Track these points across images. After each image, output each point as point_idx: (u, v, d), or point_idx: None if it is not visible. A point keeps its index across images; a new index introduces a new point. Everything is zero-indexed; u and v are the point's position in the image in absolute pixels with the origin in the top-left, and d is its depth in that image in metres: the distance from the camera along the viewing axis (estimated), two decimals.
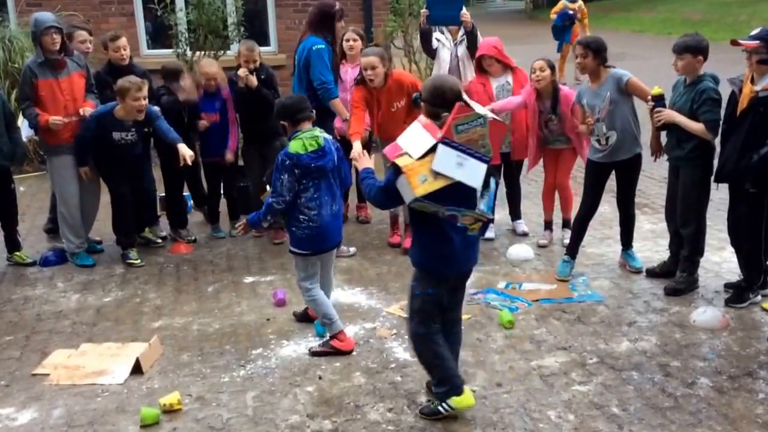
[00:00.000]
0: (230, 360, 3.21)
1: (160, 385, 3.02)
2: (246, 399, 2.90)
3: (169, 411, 2.79)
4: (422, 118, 2.57)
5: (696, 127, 3.45)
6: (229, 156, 4.69)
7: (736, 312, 3.49)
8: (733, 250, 3.73)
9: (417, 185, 2.41)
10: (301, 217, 3.10)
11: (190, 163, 4.23)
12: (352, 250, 4.46)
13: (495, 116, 2.53)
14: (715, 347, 3.18)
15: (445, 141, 2.41)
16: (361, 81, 4.21)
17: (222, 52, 7.10)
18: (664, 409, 2.73)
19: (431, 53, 5.00)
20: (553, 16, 10.52)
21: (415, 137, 2.51)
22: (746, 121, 3.28)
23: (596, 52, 3.77)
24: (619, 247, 4.20)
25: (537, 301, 3.70)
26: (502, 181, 4.70)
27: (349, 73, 4.67)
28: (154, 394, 2.94)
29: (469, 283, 3.90)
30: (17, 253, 4.44)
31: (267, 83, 4.54)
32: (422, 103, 2.59)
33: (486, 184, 2.53)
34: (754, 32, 3.33)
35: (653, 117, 3.62)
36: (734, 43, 3.35)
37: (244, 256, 4.52)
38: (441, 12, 4.69)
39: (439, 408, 2.69)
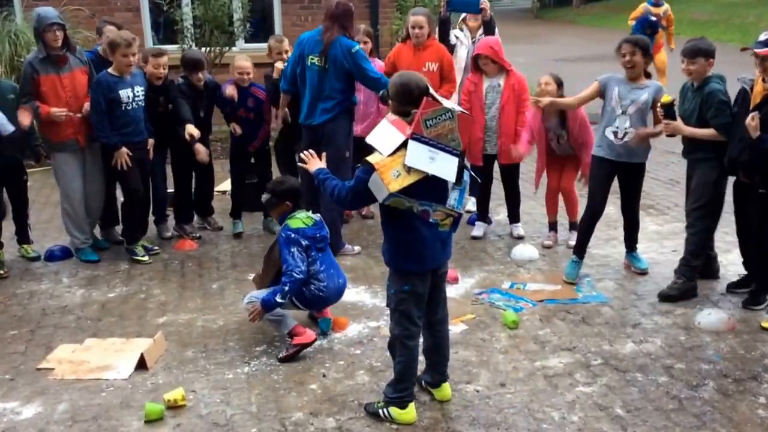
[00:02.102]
0: (234, 357, 3.23)
1: (164, 380, 3.04)
2: (250, 396, 2.92)
3: (174, 407, 2.81)
4: (390, 115, 2.59)
5: (706, 133, 3.45)
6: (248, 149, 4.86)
7: (742, 315, 3.49)
8: (740, 252, 3.73)
9: (390, 181, 2.43)
10: (312, 287, 3.25)
11: (196, 135, 4.39)
12: (357, 249, 4.48)
13: (462, 110, 2.56)
14: (720, 350, 3.18)
15: (415, 136, 2.44)
16: (404, 39, 4.73)
17: (227, 48, 7.11)
18: (668, 411, 2.74)
19: (448, 45, 5.05)
20: (631, 23, 8.65)
21: (384, 134, 2.52)
22: (760, 114, 3.27)
23: (645, 50, 3.72)
24: (624, 248, 4.20)
25: (541, 301, 3.71)
26: (497, 182, 4.72)
27: None
28: (159, 389, 2.96)
29: (473, 282, 4.01)
30: (25, 246, 4.46)
31: None
32: (390, 102, 2.60)
33: (459, 179, 2.55)
34: (763, 37, 3.29)
35: (663, 126, 3.58)
36: (745, 50, 3.34)
37: (248, 254, 4.54)
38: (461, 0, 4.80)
39: (380, 411, 2.70)
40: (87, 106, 4.23)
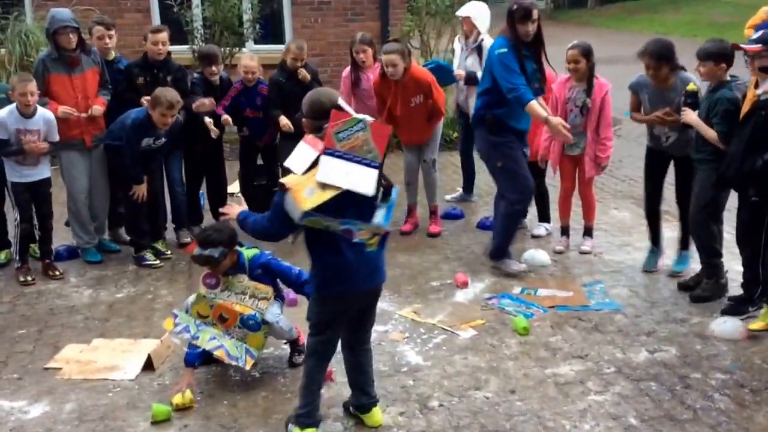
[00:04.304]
0: None
1: (171, 381, 3.07)
2: (257, 398, 2.94)
3: (181, 408, 2.85)
4: (307, 136, 2.52)
5: (710, 133, 3.49)
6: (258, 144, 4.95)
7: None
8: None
9: (303, 200, 2.35)
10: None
11: (213, 134, 4.50)
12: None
13: (374, 119, 2.40)
14: (737, 360, 3.17)
15: (328, 151, 2.36)
16: (382, 75, 4.51)
17: (237, 49, 7.18)
18: (682, 421, 2.73)
19: None
20: (749, 33, 7.23)
21: (299, 154, 2.46)
22: (749, 125, 3.29)
23: (668, 60, 3.69)
24: (637, 255, 4.21)
25: (553, 307, 3.71)
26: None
27: (371, 80, 4.76)
28: (166, 390, 3.00)
29: (483, 287, 4.02)
30: (32, 245, 4.50)
31: (315, 80, 4.71)
32: (304, 120, 2.54)
33: (386, 195, 2.44)
34: (756, 35, 3.32)
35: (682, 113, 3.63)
36: (735, 47, 3.37)
37: None
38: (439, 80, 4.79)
39: (288, 427, 2.65)
40: (93, 110, 4.28)
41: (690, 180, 3.87)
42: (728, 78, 3.53)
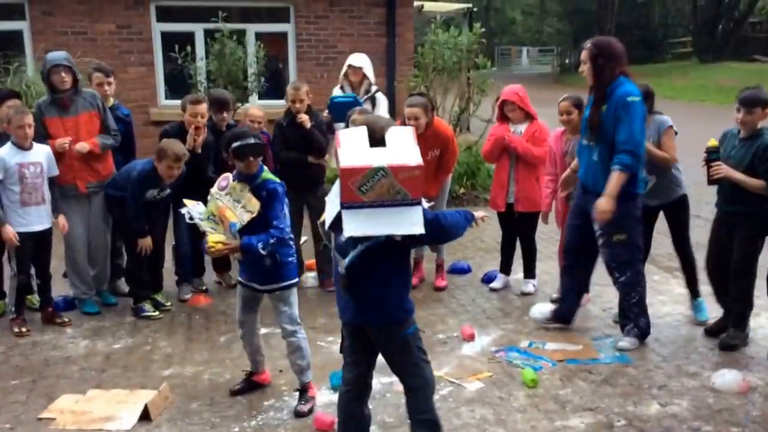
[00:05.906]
0: (241, 410, 3.36)
1: None
2: None
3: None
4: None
5: (756, 184, 3.69)
6: None
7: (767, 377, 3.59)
8: None
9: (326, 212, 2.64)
10: (291, 242, 3.34)
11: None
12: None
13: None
14: (749, 413, 3.27)
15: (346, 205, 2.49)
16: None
17: (240, 104, 7.57)
18: None
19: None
20: None
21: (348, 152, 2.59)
22: None
23: (648, 98, 4.00)
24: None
25: (562, 361, 3.83)
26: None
27: None
28: None
29: (490, 340, 4.15)
30: (29, 297, 4.62)
31: (318, 129, 4.81)
32: None
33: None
34: None
35: (708, 170, 3.82)
36: None
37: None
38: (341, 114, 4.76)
39: None
40: (80, 144, 4.38)
41: (682, 227, 4.14)
42: (759, 127, 3.79)
